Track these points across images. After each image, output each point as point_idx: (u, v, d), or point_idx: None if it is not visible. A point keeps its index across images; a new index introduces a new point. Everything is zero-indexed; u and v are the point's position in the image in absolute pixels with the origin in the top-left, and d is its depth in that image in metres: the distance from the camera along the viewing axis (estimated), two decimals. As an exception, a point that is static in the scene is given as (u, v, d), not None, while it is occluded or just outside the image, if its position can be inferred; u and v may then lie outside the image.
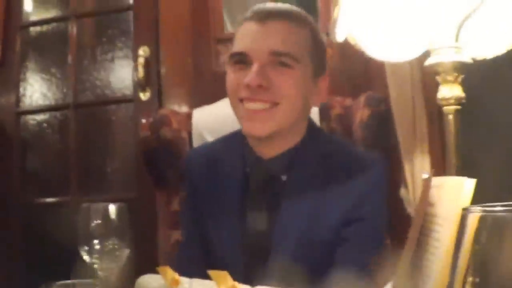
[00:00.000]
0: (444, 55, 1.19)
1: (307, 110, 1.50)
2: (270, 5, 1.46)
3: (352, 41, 1.26)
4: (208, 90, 2.38)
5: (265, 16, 1.41)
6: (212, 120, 2.03)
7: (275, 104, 1.39)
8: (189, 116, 2.08)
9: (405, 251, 0.84)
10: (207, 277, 0.99)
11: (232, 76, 1.44)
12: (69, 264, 1.30)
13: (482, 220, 0.47)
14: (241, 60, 1.41)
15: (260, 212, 1.47)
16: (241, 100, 1.42)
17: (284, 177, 1.46)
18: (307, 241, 1.42)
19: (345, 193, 1.41)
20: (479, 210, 0.48)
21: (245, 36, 1.43)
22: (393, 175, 1.85)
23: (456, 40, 1.17)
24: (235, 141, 1.55)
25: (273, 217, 1.45)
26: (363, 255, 1.36)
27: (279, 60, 1.39)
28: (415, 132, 1.65)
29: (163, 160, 2.05)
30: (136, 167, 2.54)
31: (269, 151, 1.47)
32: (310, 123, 1.53)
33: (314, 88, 1.47)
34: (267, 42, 1.39)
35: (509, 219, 0.46)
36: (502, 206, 0.49)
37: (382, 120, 1.81)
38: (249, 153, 1.50)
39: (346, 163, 1.46)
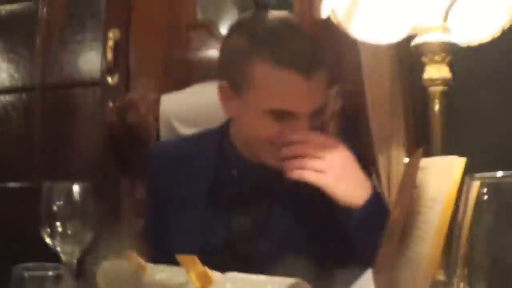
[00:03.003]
0: (432, 35, 1.17)
1: None
2: (303, 43, 1.34)
3: (334, 19, 1.23)
4: (178, 77, 2.33)
5: (308, 66, 1.31)
6: (180, 106, 1.98)
7: None
8: (157, 102, 2.03)
9: (390, 236, 0.82)
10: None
11: (269, 127, 1.34)
12: (34, 248, 1.26)
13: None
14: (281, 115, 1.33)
15: (246, 216, 1.43)
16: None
17: (272, 183, 1.41)
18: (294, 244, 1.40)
19: None
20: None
21: (287, 91, 1.32)
22: (364, 168, 1.84)
23: (444, 21, 1.15)
24: (208, 142, 1.50)
25: (260, 222, 1.42)
26: None
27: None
28: (392, 124, 1.62)
29: (129, 146, 2.00)
30: (102, 152, 2.48)
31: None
32: None
33: None
34: (311, 103, 1.34)
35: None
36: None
37: (354, 113, 1.79)
38: (236, 156, 1.44)
39: None
